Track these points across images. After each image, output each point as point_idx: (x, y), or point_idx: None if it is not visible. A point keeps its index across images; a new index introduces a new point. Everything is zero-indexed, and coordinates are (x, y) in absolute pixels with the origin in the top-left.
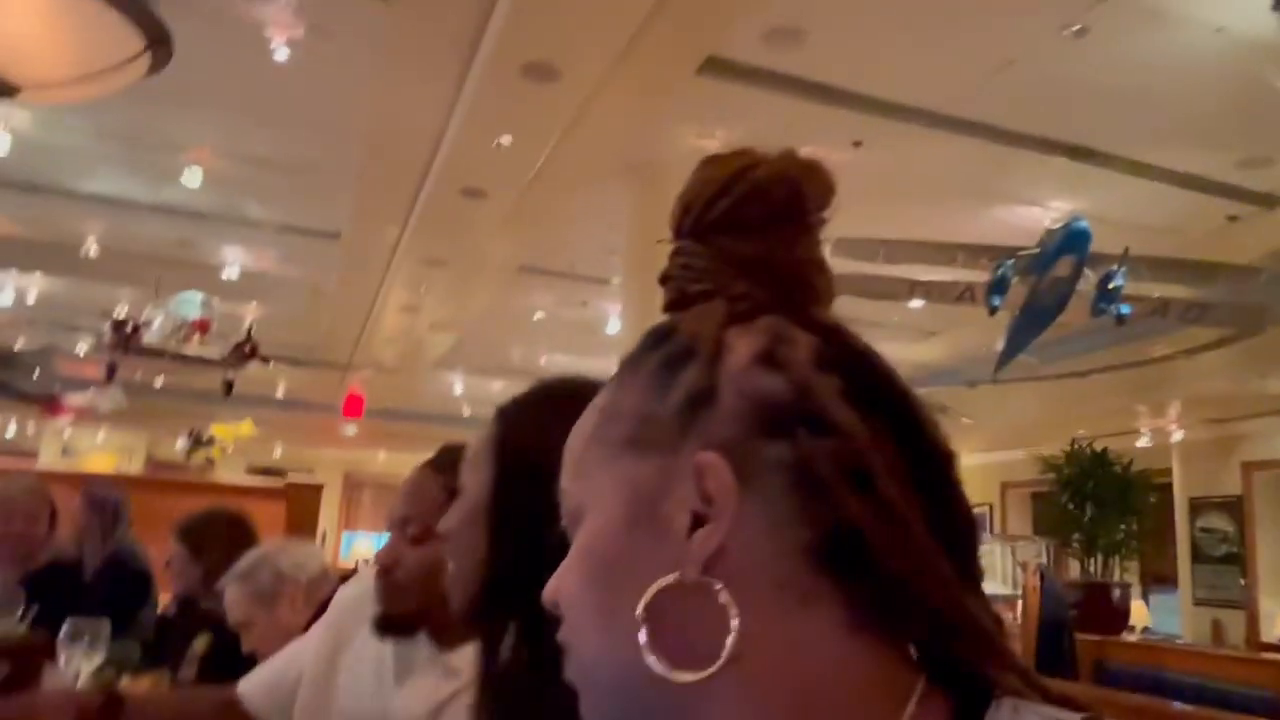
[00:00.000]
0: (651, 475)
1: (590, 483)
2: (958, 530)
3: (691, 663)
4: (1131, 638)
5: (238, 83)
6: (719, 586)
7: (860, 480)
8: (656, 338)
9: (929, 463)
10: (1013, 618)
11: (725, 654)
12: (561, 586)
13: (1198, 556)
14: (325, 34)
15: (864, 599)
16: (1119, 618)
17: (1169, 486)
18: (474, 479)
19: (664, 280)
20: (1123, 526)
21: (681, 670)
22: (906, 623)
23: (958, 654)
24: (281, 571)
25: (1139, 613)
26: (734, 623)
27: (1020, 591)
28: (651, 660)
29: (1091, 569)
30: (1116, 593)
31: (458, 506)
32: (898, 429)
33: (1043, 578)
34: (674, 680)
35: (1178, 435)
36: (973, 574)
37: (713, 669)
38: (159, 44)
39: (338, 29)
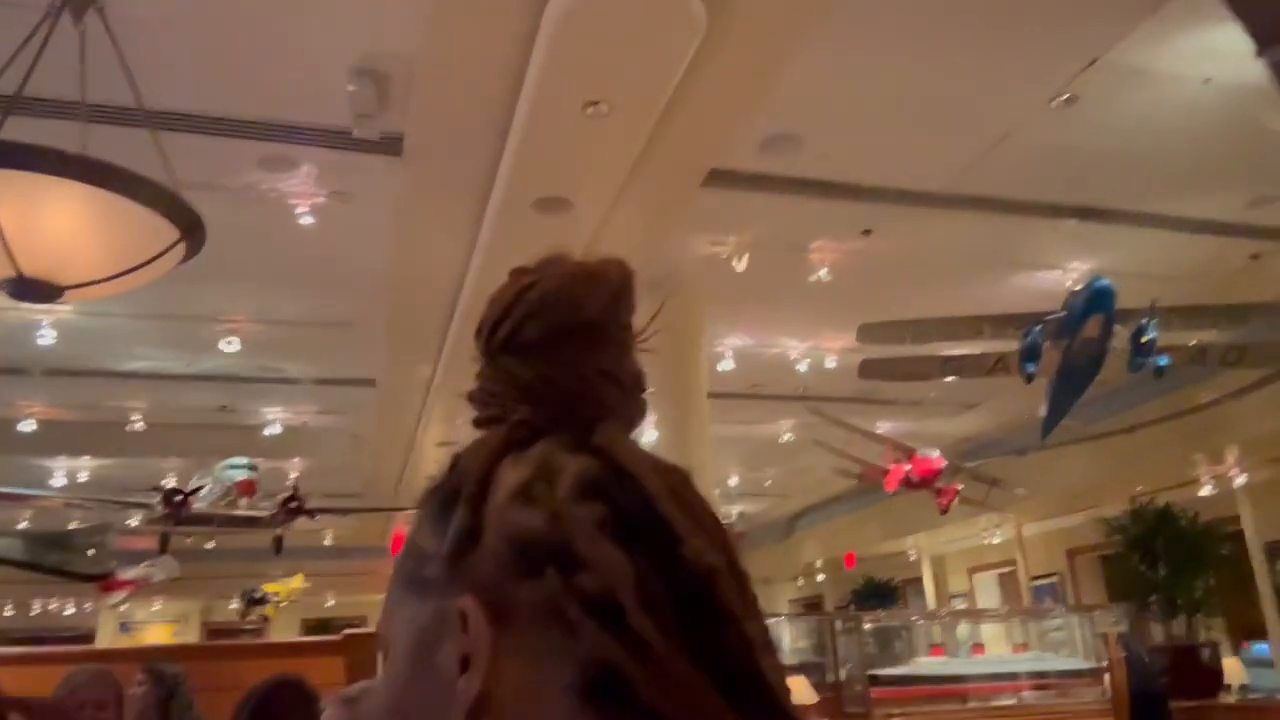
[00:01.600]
0: (429, 618)
1: (390, 620)
2: (728, 652)
3: None
4: (1230, 699)
5: (267, 252)
6: None
7: (611, 616)
8: (446, 469)
9: (688, 585)
10: (1101, 693)
11: None
12: None
13: None
14: (345, 197)
15: None
16: (1213, 679)
17: (1241, 534)
18: None
19: (469, 399)
20: (1200, 582)
21: None
22: None
23: None
24: None
25: (1233, 671)
26: None
27: (1104, 664)
28: None
29: (1175, 631)
30: (1206, 653)
31: None
32: (658, 553)
33: (1127, 647)
34: None
35: (1241, 480)
36: (752, 695)
37: None
38: (192, 231)
39: (356, 191)
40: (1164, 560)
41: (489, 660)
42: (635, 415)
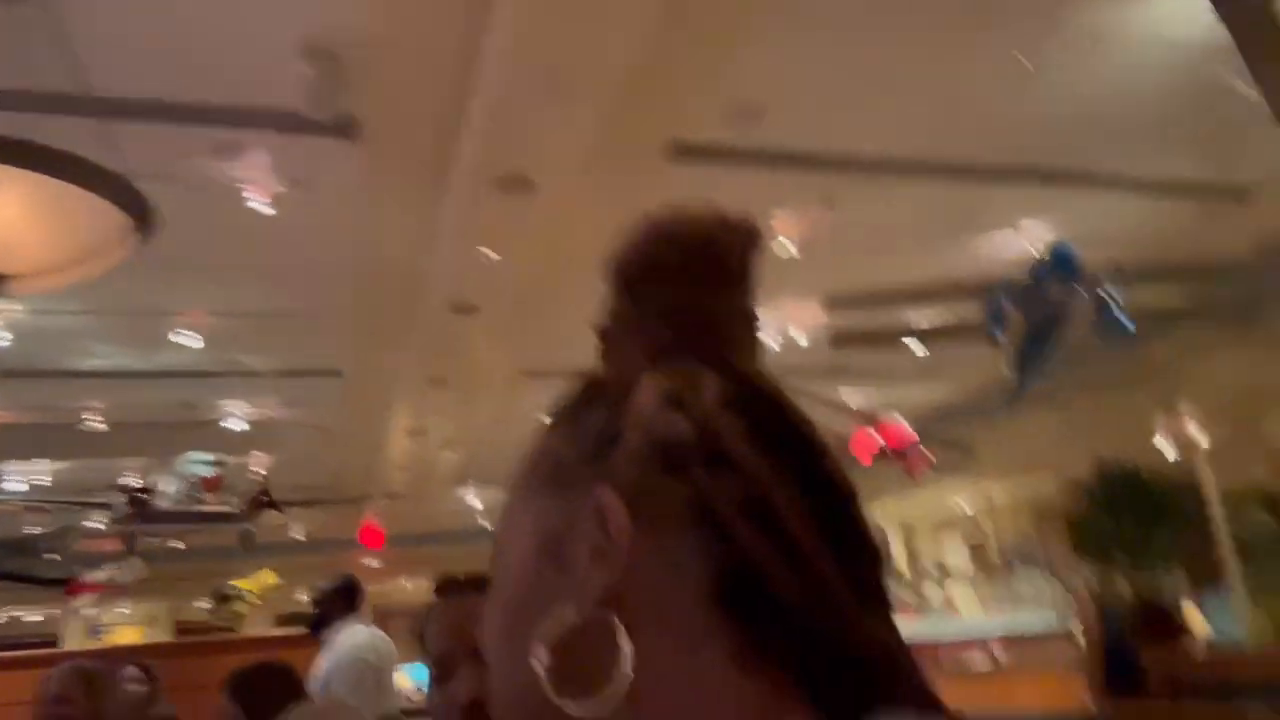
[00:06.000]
0: (560, 513)
1: (509, 526)
2: (864, 563)
3: (590, 698)
4: (1196, 650)
5: (224, 243)
6: (615, 623)
7: (759, 516)
8: (579, 384)
9: (833, 500)
10: (1073, 648)
11: (619, 690)
12: (484, 629)
13: (1245, 555)
14: (302, 183)
15: (760, 635)
16: (1178, 631)
17: (1200, 488)
18: None
19: (601, 330)
20: (1164, 535)
21: (581, 704)
22: (804, 655)
23: (860, 681)
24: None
25: (1194, 620)
26: (628, 661)
27: (1076, 621)
28: (550, 693)
29: (1139, 585)
30: (1171, 605)
31: None
32: (802, 469)
33: (1097, 603)
34: (572, 715)
35: (1201, 438)
36: (882, 605)
37: (607, 706)
38: (144, 219)
39: (313, 176)
40: (1129, 516)
41: (628, 553)
42: (757, 352)
